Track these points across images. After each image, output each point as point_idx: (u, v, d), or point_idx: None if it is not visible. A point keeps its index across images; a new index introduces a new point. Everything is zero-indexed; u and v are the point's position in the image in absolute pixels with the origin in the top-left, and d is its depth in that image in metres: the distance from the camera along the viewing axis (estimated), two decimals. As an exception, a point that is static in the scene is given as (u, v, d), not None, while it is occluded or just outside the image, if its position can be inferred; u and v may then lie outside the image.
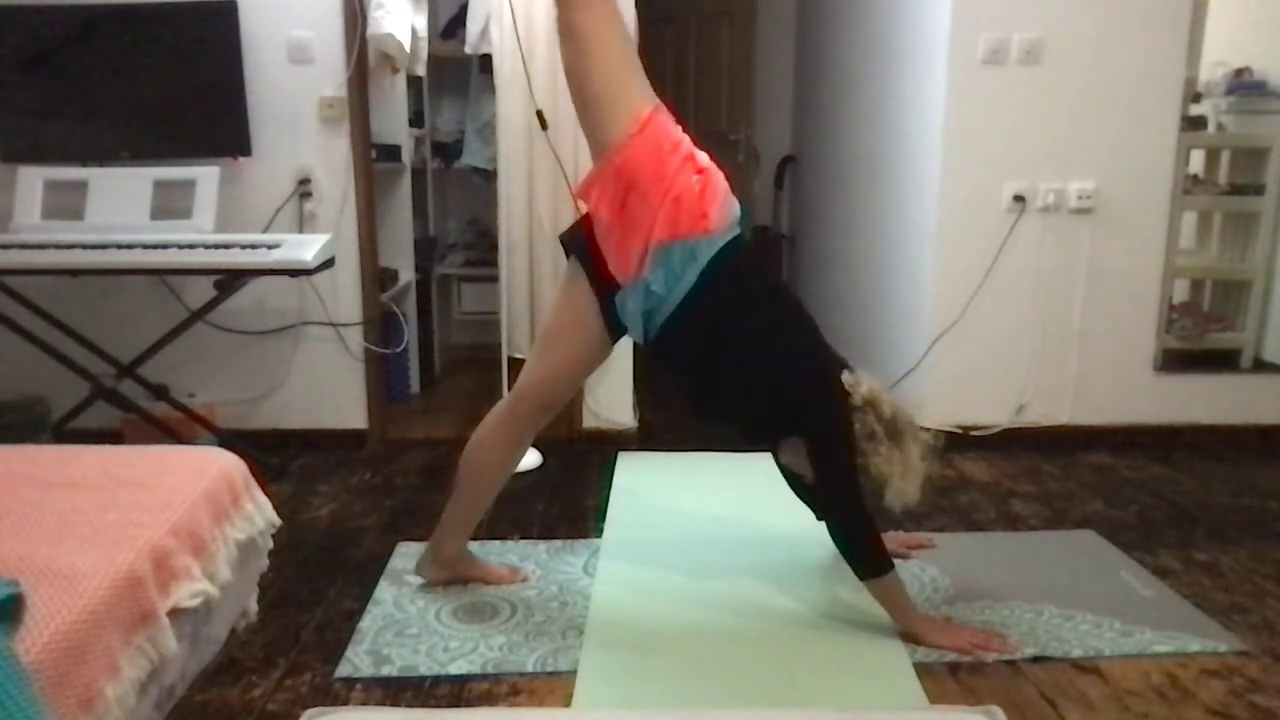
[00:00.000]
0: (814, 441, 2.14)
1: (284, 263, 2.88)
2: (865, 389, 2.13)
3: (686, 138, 2.10)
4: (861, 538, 2.13)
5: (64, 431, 3.11)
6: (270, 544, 1.92)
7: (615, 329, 2.18)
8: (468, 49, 3.41)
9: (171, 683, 1.52)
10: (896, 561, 2.55)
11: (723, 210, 2.06)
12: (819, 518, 2.47)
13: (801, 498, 2.49)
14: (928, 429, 2.19)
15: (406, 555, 2.59)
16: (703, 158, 2.10)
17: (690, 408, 2.27)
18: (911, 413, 2.18)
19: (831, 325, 4.86)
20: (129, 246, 2.88)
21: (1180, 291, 3.75)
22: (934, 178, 3.38)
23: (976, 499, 3.04)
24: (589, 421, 3.51)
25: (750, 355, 2.12)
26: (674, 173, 2.02)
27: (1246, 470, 3.32)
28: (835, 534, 2.16)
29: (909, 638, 2.13)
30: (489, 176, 4.32)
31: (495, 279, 3.55)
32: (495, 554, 2.59)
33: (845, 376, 2.15)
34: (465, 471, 2.35)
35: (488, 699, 1.94)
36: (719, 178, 2.10)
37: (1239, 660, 2.09)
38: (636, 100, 2.04)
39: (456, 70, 4.58)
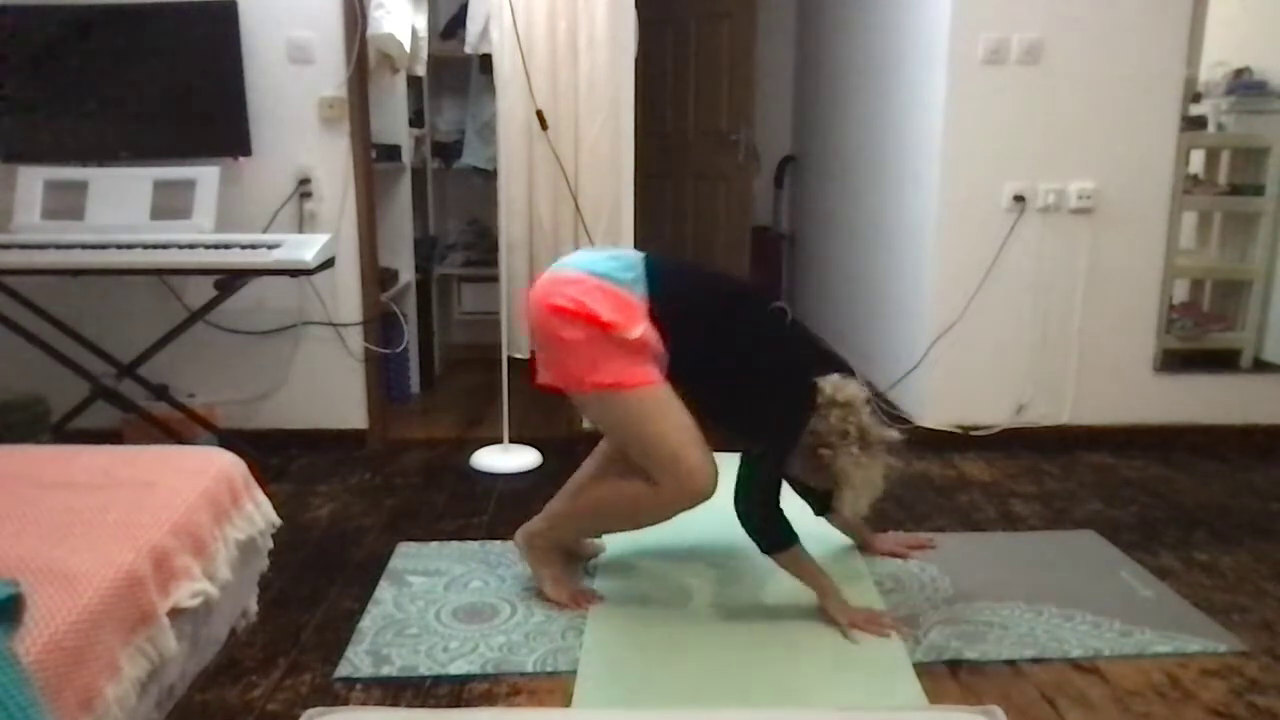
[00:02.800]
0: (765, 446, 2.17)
1: (284, 263, 2.87)
2: (851, 391, 2.15)
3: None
4: (772, 518, 2.17)
5: (64, 431, 3.11)
6: (270, 544, 1.92)
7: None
8: (468, 49, 3.41)
9: (171, 683, 1.52)
10: (896, 562, 2.57)
11: (614, 304, 2.09)
12: (817, 513, 2.48)
13: (798, 492, 2.49)
14: (898, 451, 2.20)
15: (406, 555, 2.59)
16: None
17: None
18: (890, 437, 2.19)
19: (832, 325, 4.89)
20: (129, 246, 2.87)
21: (1180, 291, 3.75)
22: (934, 178, 3.38)
23: (976, 499, 3.04)
24: (589, 422, 3.51)
25: (732, 374, 2.15)
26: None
27: (1246, 470, 3.32)
28: (741, 514, 2.21)
29: (824, 607, 2.20)
30: (489, 176, 4.33)
31: (495, 279, 3.55)
32: (496, 554, 2.59)
33: (831, 379, 2.16)
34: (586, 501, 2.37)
35: (488, 699, 1.94)
36: (581, 293, 2.11)
37: (1239, 660, 2.09)
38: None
39: (456, 70, 4.58)
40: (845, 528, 2.59)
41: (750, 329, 2.20)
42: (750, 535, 2.19)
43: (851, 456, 2.10)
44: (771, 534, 2.18)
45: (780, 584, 2.40)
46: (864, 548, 2.61)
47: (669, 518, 2.21)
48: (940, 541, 2.68)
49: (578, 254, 2.22)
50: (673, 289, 2.16)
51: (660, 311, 2.12)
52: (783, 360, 2.20)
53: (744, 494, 2.17)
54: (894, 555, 2.57)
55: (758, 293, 2.24)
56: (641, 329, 2.09)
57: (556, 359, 2.18)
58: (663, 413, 2.12)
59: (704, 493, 2.12)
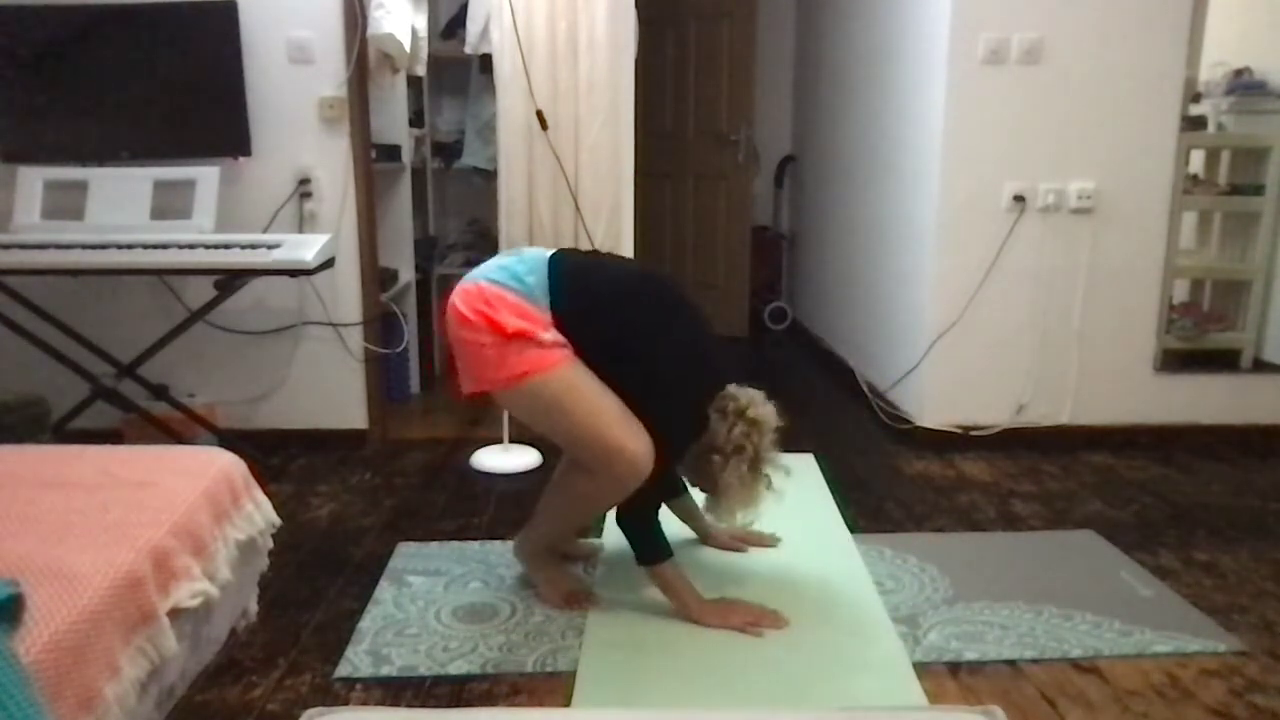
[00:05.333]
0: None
1: (284, 263, 2.88)
2: (763, 412, 2.17)
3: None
4: (647, 527, 2.18)
5: (64, 431, 3.11)
6: (270, 544, 1.92)
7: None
8: (468, 49, 3.41)
9: (171, 683, 1.52)
10: (896, 561, 2.56)
11: (518, 313, 2.09)
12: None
13: None
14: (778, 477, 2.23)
15: (406, 555, 2.59)
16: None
17: None
18: (780, 466, 2.21)
19: (832, 325, 4.88)
20: (129, 246, 2.87)
21: (1180, 291, 3.75)
22: (934, 178, 3.38)
23: (976, 499, 3.04)
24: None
25: (638, 381, 2.15)
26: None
27: (1246, 470, 3.32)
28: (622, 519, 2.21)
29: (688, 619, 2.19)
30: (489, 176, 4.32)
31: (495, 279, 3.54)
32: (495, 554, 2.59)
33: (749, 393, 2.19)
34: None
35: (488, 699, 1.94)
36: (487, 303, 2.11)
37: (1239, 660, 2.09)
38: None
39: (456, 70, 4.58)
40: (685, 518, 2.61)
41: (655, 338, 2.16)
42: (634, 544, 2.21)
43: (739, 472, 2.13)
44: (650, 545, 2.19)
45: (778, 584, 2.41)
46: (703, 539, 2.63)
47: (621, 499, 2.16)
48: (940, 541, 2.68)
49: (487, 264, 2.21)
50: (575, 301, 2.13)
51: (563, 324, 2.11)
52: (688, 370, 2.19)
53: (627, 502, 2.18)
54: (731, 549, 2.59)
55: (664, 295, 2.24)
56: (548, 336, 2.09)
57: (472, 365, 2.17)
58: (576, 397, 2.09)
59: (637, 472, 2.07)
